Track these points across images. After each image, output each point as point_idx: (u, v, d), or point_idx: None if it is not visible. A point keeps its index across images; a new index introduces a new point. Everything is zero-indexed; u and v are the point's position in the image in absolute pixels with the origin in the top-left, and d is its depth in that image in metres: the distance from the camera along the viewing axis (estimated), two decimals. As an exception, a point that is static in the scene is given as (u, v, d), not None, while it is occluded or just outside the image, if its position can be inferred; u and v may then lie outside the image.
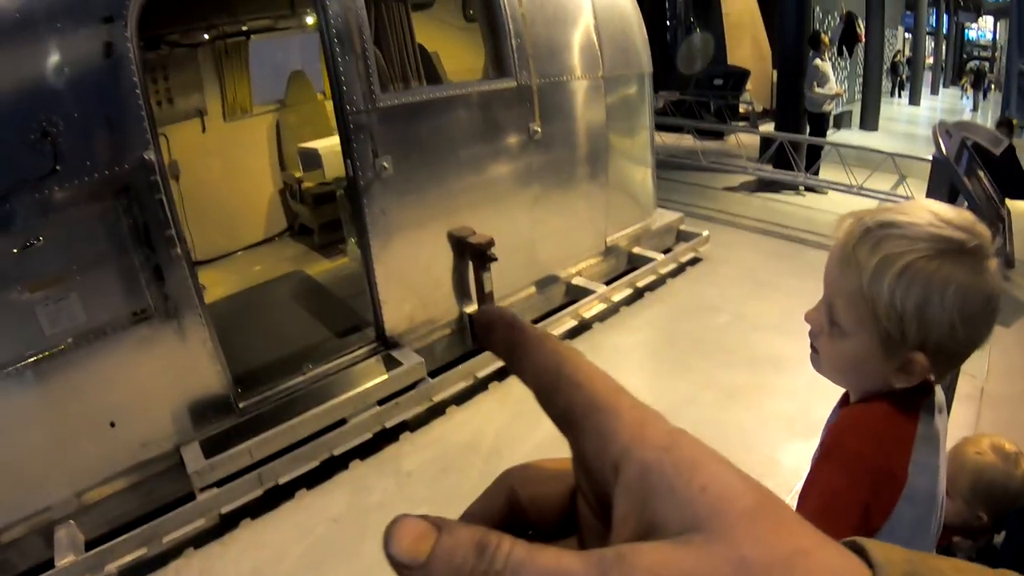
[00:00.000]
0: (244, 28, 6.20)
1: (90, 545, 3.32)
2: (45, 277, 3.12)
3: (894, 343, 0.97)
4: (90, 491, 3.44)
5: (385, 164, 3.91)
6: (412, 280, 4.30)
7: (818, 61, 9.36)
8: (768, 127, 12.00)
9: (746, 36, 15.57)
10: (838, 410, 1.20)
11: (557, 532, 0.41)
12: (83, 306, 3.18)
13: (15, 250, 3.02)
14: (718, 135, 13.06)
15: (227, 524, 3.51)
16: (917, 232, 0.93)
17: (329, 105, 6.69)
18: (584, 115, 5.31)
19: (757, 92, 14.69)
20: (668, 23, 17.27)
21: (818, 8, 15.90)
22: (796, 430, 3.79)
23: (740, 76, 14.47)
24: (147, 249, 3.26)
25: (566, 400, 0.37)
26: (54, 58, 3.12)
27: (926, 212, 0.96)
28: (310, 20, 6.41)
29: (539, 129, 4.80)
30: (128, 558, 3.32)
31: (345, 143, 3.83)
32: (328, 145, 5.69)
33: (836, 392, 1.23)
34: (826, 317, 1.07)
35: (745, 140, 11.33)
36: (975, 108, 25.33)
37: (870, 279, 0.95)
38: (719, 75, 14.69)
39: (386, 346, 4.21)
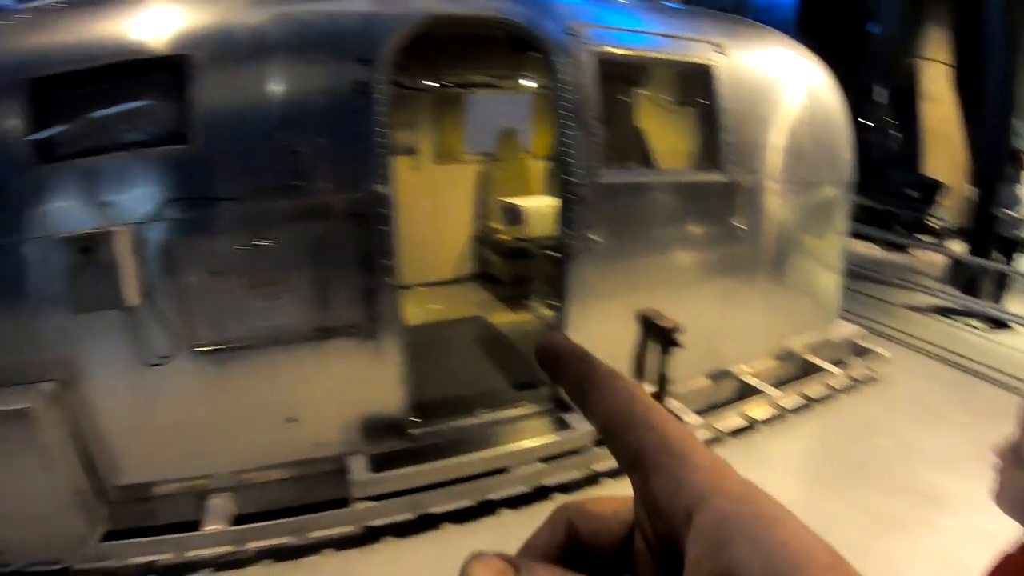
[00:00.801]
0: (466, 81, 6.63)
1: (238, 521, 3.65)
2: (269, 275, 3.47)
3: None
4: (252, 472, 3.74)
5: (596, 236, 4.05)
6: (598, 350, 4.22)
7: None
8: (957, 246, 11.29)
9: (943, 145, 14.76)
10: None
11: (610, 568, 0.41)
12: (295, 309, 3.51)
13: (249, 244, 3.38)
14: (904, 248, 12.41)
15: (371, 536, 3.68)
16: None
17: (534, 164, 6.99)
18: (781, 216, 5.25)
19: (950, 207, 13.88)
20: (864, 124, 16.69)
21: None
22: (946, 570, 3.55)
23: (933, 188, 13.71)
24: (365, 272, 3.54)
25: (637, 441, 0.37)
26: (310, 87, 3.50)
27: None
28: (527, 83, 6.78)
29: (738, 225, 4.80)
30: (272, 542, 3.60)
31: (562, 210, 4.01)
32: (532, 205, 5.95)
33: (997, 541, 1.18)
34: (1016, 455, 1.07)
35: (933, 258, 10.72)
36: None
37: None
38: (912, 184, 14.01)
39: (559, 408, 4.28)
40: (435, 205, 6.87)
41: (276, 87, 3.50)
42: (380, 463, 3.75)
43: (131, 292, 3.40)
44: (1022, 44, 9.71)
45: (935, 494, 4.25)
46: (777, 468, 4.75)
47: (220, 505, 3.70)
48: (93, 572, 3.75)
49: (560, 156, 4.03)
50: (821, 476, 4.75)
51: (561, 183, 4.03)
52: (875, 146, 15.68)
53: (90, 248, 3.32)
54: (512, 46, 5.21)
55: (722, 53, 4.81)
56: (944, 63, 15.31)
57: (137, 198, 3.45)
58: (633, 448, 0.38)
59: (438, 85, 6.61)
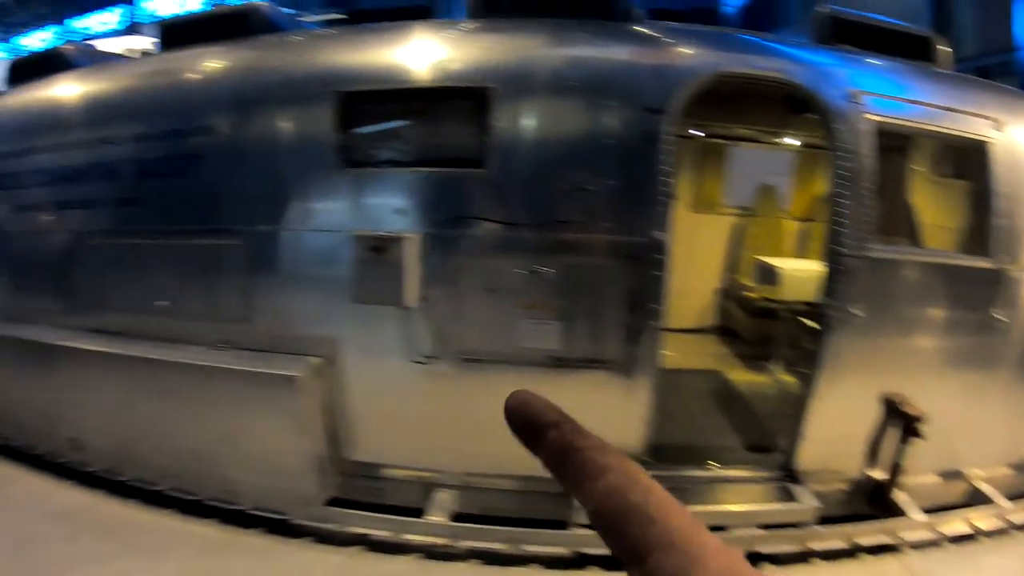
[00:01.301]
0: (732, 133, 6.66)
1: (457, 518, 3.92)
2: (541, 300, 3.65)
3: None
4: (481, 477, 3.94)
5: (857, 311, 3.95)
6: (838, 426, 4.24)
7: None
8: None
9: None
10: None
11: None
12: (560, 336, 3.66)
13: (528, 269, 3.57)
14: None
15: (580, 563, 3.76)
16: None
17: (790, 224, 6.90)
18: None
19: None
20: None
21: None
22: None
23: None
24: (631, 311, 3.65)
25: (637, 533, 0.34)
26: (600, 129, 3.64)
27: None
28: (790, 141, 6.69)
29: (1002, 318, 4.52)
30: (485, 544, 3.79)
31: (827, 279, 3.94)
32: (789, 267, 5.83)
33: None
34: None
35: None
36: None
37: None
38: None
39: (788, 477, 4.20)
40: (687, 253, 6.78)
41: (569, 126, 3.68)
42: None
43: (411, 293, 3.69)
44: None
45: None
46: None
47: (445, 499, 3.94)
48: (310, 531, 4.11)
49: (832, 224, 3.95)
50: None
51: (829, 252, 3.95)
52: None
53: (381, 248, 3.63)
54: (788, 105, 5.15)
55: (999, 129, 4.52)
56: None
57: (430, 211, 3.76)
58: (632, 541, 0.35)
59: (703, 135, 6.62)
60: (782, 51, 4.23)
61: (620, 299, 3.67)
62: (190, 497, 4.46)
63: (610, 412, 3.83)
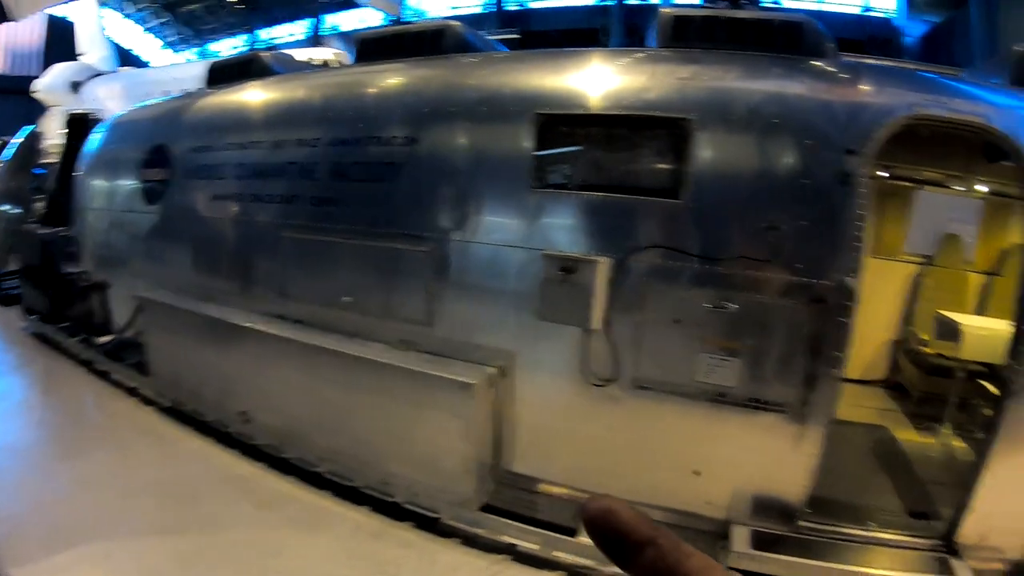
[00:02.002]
0: (917, 176, 6.40)
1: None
2: (722, 337, 3.64)
3: None
4: (637, 505, 3.91)
5: None
6: (1009, 500, 3.91)
7: None
8: None
9: None
10: None
11: None
12: (738, 374, 3.64)
13: (715, 304, 3.57)
14: None
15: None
16: None
17: (974, 278, 6.58)
18: None
19: None
20: None
21: None
22: None
23: None
24: (813, 357, 3.57)
25: None
26: (796, 169, 3.59)
27: None
28: (979, 187, 6.36)
29: None
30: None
31: (1016, 340, 3.70)
32: (974, 325, 5.32)
33: None
34: None
35: None
36: None
37: None
38: None
39: (948, 549, 3.95)
40: (864, 299, 6.53)
41: (764, 162, 3.66)
42: (761, 542, 3.76)
43: (596, 317, 3.78)
44: None
45: None
46: None
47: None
48: (460, 532, 4.24)
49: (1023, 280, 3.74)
50: None
51: (1020, 310, 3.72)
52: None
53: (571, 269, 3.73)
54: (983, 152, 4.91)
55: None
56: None
57: (621, 237, 3.83)
58: None
59: (887, 176, 6.40)
60: (980, 95, 4.03)
61: (802, 343, 3.60)
62: (347, 483, 4.70)
63: (777, 458, 3.76)
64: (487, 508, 4.31)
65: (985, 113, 3.89)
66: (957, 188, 6.50)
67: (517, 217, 4.14)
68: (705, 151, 3.75)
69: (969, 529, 3.93)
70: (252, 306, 5.45)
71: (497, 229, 4.20)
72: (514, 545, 4.09)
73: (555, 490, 4.27)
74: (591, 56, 4.45)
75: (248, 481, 4.98)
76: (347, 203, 4.84)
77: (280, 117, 5.64)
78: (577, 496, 4.18)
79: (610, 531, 0.43)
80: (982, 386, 4.93)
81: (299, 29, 31.52)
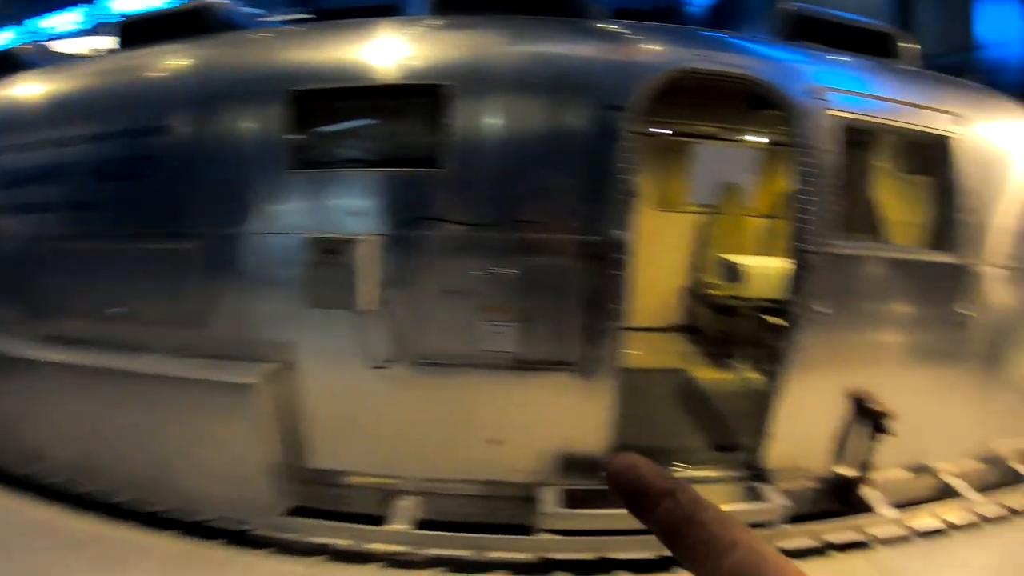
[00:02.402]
0: (695, 131, 6.60)
1: (420, 525, 3.82)
2: (500, 302, 3.56)
3: None
4: (444, 483, 3.86)
5: (821, 308, 3.90)
6: (805, 424, 4.20)
7: None
8: None
9: None
10: None
11: None
12: (520, 338, 3.59)
13: (487, 271, 3.48)
14: None
15: (545, 568, 3.68)
16: None
17: (754, 222, 6.88)
18: (1006, 306, 4.84)
19: None
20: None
21: None
22: None
23: None
24: (592, 312, 3.57)
25: None
26: (560, 127, 3.57)
27: None
28: (754, 138, 6.65)
29: (966, 313, 4.50)
30: (449, 552, 3.70)
31: (793, 277, 3.90)
32: (753, 264, 5.81)
33: None
34: None
35: None
36: None
37: None
38: None
39: (754, 476, 4.15)
40: (651, 251, 6.67)
41: (528, 124, 3.60)
42: (571, 499, 3.76)
43: (366, 297, 3.59)
44: None
45: None
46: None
47: (407, 507, 3.85)
48: (272, 541, 4.00)
49: (796, 221, 3.91)
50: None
51: (794, 249, 3.91)
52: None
53: (334, 251, 3.53)
54: (750, 103, 5.11)
55: (961, 124, 4.51)
56: None
57: (385, 212, 3.66)
58: None
59: (668, 133, 6.56)
60: (745, 48, 4.19)
61: (581, 299, 3.59)
62: (150, 509, 4.33)
63: (573, 415, 3.76)
64: (298, 511, 4.08)
65: (749, 65, 4.01)
66: (735, 140, 6.79)
67: (280, 202, 3.88)
68: (467, 117, 3.64)
69: (772, 454, 4.12)
70: (25, 331, 4.89)
71: (262, 217, 3.91)
72: (328, 544, 3.91)
73: (361, 480, 4.08)
74: (352, 29, 4.23)
75: (45, 525, 4.49)
76: (106, 205, 4.38)
77: (31, 117, 5.05)
78: (383, 484, 3.99)
79: (631, 485, 0.43)
80: (768, 320, 5.17)
81: (78, 17, 28.52)
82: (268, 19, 5.62)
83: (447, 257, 3.62)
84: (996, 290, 4.73)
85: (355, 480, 4.08)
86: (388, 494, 3.95)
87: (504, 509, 3.85)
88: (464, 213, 3.57)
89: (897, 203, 5.52)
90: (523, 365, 3.65)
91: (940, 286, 4.42)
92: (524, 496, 3.84)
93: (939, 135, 4.48)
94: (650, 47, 3.94)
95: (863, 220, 4.80)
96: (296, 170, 3.81)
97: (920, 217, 4.73)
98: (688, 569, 0.40)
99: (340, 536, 3.90)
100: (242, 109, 4.01)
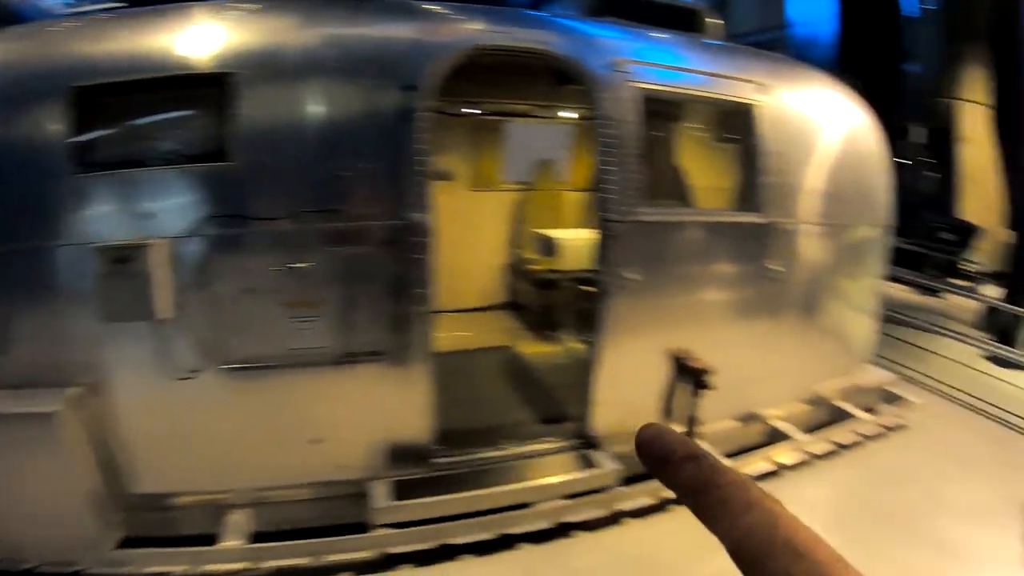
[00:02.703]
0: (504, 110, 6.62)
1: (256, 538, 3.62)
2: (303, 297, 3.45)
3: None
4: (273, 491, 3.71)
5: (630, 274, 4.00)
6: (628, 388, 4.28)
7: None
8: (991, 291, 11.08)
9: (979, 188, 14.54)
10: None
11: None
12: (327, 332, 3.48)
13: (285, 265, 3.37)
14: (936, 292, 12.19)
15: (389, 563, 3.61)
16: None
17: (569, 196, 6.97)
18: (815, 259, 5.16)
19: (986, 252, 13.63)
20: (899, 165, 16.51)
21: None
22: None
23: (968, 231, 13.49)
24: (398, 299, 3.51)
25: (782, 569, 0.35)
26: (353, 111, 3.49)
27: None
28: (565, 114, 6.75)
29: (775, 268, 4.74)
30: (288, 562, 3.55)
31: (600, 247, 3.97)
32: (566, 237, 5.94)
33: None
34: None
35: (966, 303, 10.53)
36: None
37: None
38: (945, 227, 13.79)
39: (585, 444, 4.21)
40: (469, 232, 6.82)
41: (320, 109, 3.50)
42: (402, 490, 3.70)
43: (163, 305, 3.40)
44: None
45: (959, 548, 4.13)
46: (802, 514, 4.45)
47: (239, 521, 3.68)
48: (107, 577, 3.75)
49: (599, 191, 3.99)
50: (846, 525, 4.61)
51: (598, 219, 3.99)
52: (909, 187, 15.50)
53: (125, 259, 3.32)
54: (556, 78, 5.20)
55: (764, 92, 4.74)
56: (982, 104, 15.13)
57: (176, 212, 3.45)
58: None
59: (478, 113, 6.59)
60: (545, 23, 4.23)
61: (385, 287, 3.52)
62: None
63: (391, 405, 3.70)
64: (130, 541, 3.82)
65: (548, 40, 4.05)
66: (547, 116, 6.92)
67: (65, 210, 3.58)
68: (256, 106, 3.47)
69: (600, 421, 4.19)
70: None
71: (46, 228, 3.60)
72: (166, 572, 3.67)
73: (188, 500, 3.86)
74: (148, 17, 3.95)
75: None
76: None
77: None
78: (212, 500, 3.80)
79: (657, 452, 0.45)
80: (585, 291, 5.30)
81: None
82: (75, 9, 5.21)
83: (244, 255, 3.44)
84: (807, 245, 5.01)
85: (183, 500, 3.85)
86: (219, 510, 3.75)
87: (338, 509, 3.75)
88: (257, 207, 3.41)
89: (708, 169, 5.77)
90: (334, 359, 3.54)
91: (750, 245, 4.63)
92: (355, 493, 3.75)
93: (743, 103, 4.68)
94: (446, 25, 3.90)
95: (671, 187, 4.98)
96: (81, 174, 3.53)
97: (730, 182, 4.94)
98: (709, 529, 0.42)
99: (176, 562, 3.66)
100: (21, 110, 3.69)
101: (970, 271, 13.16)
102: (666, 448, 0.47)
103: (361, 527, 3.64)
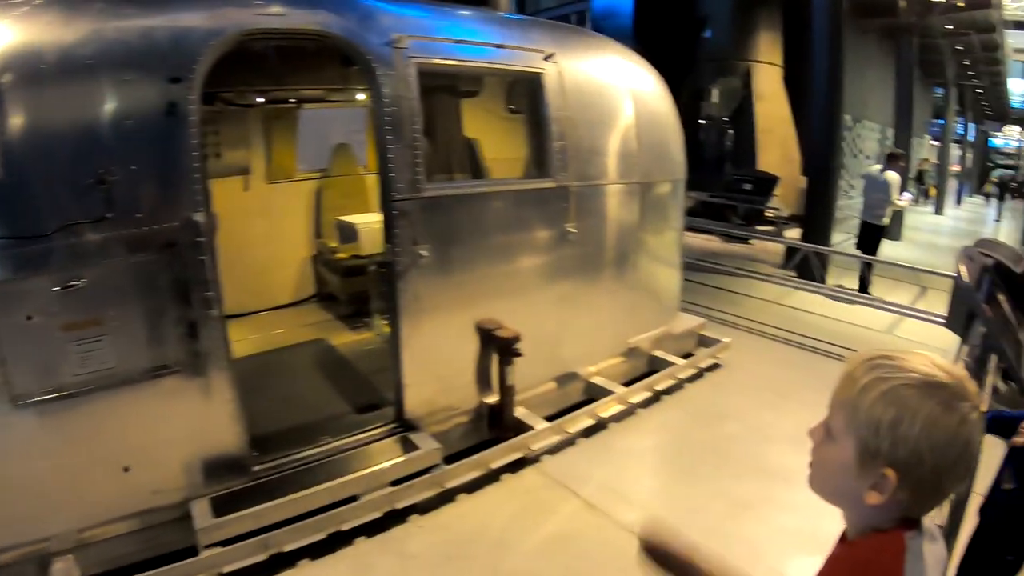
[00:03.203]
0: (295, 96, 6.41)
1: None
2: (82, 318, 3.16)
3: (870, 454, 1.06)
4: (94, 529, 3.41)
5: (423, 251, 4.00)
6: (437, 365, 4.30)
7: (889, 174, 9.61)
8: (794, 233, 12.12)
9: (776, 141, 15.81)
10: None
11: None
12: (115, 352, 3.22)
13: (56, 288, 3.07)
14: (743, 239, 13.16)
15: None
16: (910, 367, 1.05)
17: (370, 179, 6.86)
18: (616, 218, 5.39)
19: (784, 198, 14.85)
20: (700, 123, 17.65)
21: (848, 116, 16.25)
22: (803, 545, 3.68)
23: (768, 182, 14.62)
24: (184, 305, 3.31)
25: None
26: (120, 109, 3.23)
27: (926, 359, 1.07)
28: (360, 96, 6.62)
29: (573, 230, 4.90)
30: (120, 602, 3.27)
31: (388, 227, 3.93)
32: (366, 221, 5.86)
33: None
34: (824, 428, 1.17)
35: (769, 246, 11.43)
36: (999, 218, 25.45)
37: (860, 391, 1.07)
38: (748, 179, 14.88)
39: (404, 427, 4.19)
40: (270, 226, 6.57)
41: (83, 111, 3.20)
42: (225, 505, 3.52)
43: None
44: (845, 45, 10.60)
45: (784, 472, 4.40)
46: (632, 463, 4.84)
47: (64, 569, 3.31)
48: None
49: (382, 171, 3.95)
50: (675, 466, 4.90)
51: (383, 199, 3.96)
52: (712, 145, 16.65)
53: None
54: (342, 59, 5.07)
55: (552, 61, 4.85)
56: (775, 64, 16.45)
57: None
58: None
59: (268, 102, 6.33)
60: (321, 2, 4.09)
61: (169, 295, 3.30)
62: None
63: (196, 418, 3.48)
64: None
65: (323, 20, 3.91)
66: (341, 100, 6.81)
67: None
68: (14, 115, 3.09)
69: (415, 402, 4.18)
70: None
71: None
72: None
73: (6, 557, 3.40)
74: None
75: None
76: None
77: None
78: (34, 551, 3.38)
79: (655, 553, 0.55)
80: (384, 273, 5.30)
81: None
82: None
83: (18, 279, 3.08)
84: (605, 205, 5.23)
85: (3, 558, 3.43)
86: (43, 560, 3.37)
87: (164, 536, 3.50)
88: (24, 225, 3.08)
89: (504, 141, 5.89)
90: (126, 379, 3.28)
91: (545, 210, 4.76)
92: (178, 517, 3.51)
93: (529, 72, 4.76)
94: (213, 12, 3.66)
95: (462, 161, 5.02)
96: None
97: (524, 150, 5.04)
98: None
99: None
100: None
101: (772, 217, 14.29)
102: (663, 551, 0.52)
103: (193, 551, 3.40)
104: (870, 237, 9.88)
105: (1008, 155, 43.77)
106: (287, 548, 3.51)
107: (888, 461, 1.04)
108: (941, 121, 26.97)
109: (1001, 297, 5.68)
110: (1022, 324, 5.98)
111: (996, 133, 43.06)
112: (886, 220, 9.86)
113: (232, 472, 3.62)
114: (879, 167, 9.79)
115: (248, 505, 3.49)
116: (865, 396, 1.06)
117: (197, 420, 3.46)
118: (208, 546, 3.38)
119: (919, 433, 1.01)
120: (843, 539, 1.23)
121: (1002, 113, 38.55)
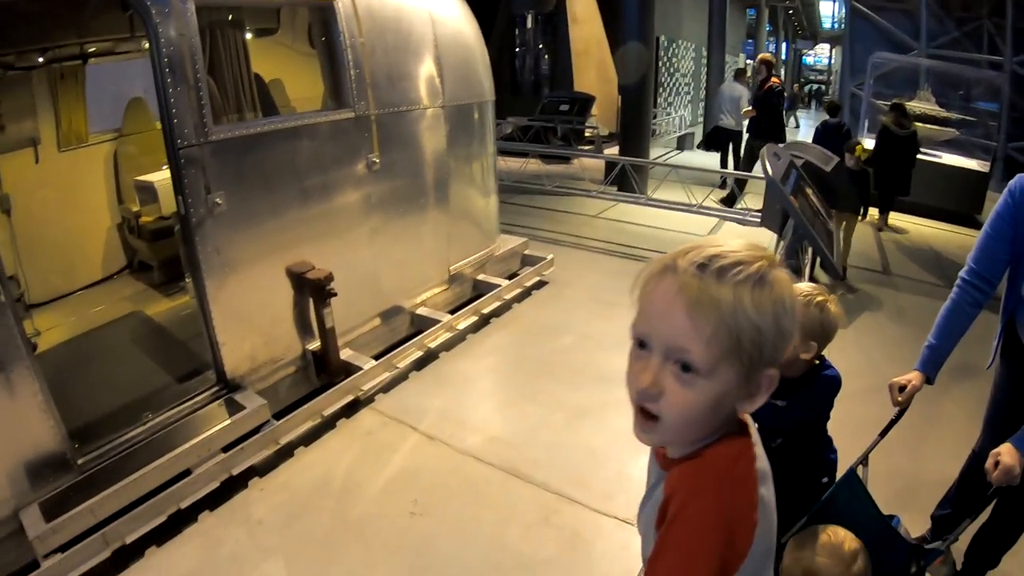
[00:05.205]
0: (81, 51, 5.84)
1: None
2: None
3: (754, 365, 0.94)
4: None
5: (218, 200, 3.84)
6: (251, 318, 4.22)
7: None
8: (613, 150, 12.65)
9: (592, 62, 16.23)
10: (661, 473, 1.20)
11: None
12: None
13: None
14: (565, 159, 13.57)
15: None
16: (742, 254, 0.93)
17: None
18: (425, 144, 5.45)
19: (603, 117, 15.37)
20: (517, 49, 17.85)
21: (663, 36, 16.93)
22: (642, 445, 4.03)
23: (585, 102, 15.11)
24: (-32, 295, 3.07)
25: None
26: None
27: (731, 238, 1.00)
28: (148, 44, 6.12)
29: (378, 160, 4.92)
30: (-36, 633, 3.17)
31: (176, 178, 3.74)
32: (164, 178, 5.32)
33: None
34: (671, 372, 0.98)
35: (590, 164, 11.89)
36: (797, 124, 27.62)
37: (732, 309, 0.90)
38: (565, 100, 15.26)
39: (228, 389, 4.13)
40: (67, 199, 5.97)
41: None
42: (54, 508, 3.31)
43: None
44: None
45: (619, 376, 4.64)
46: (467, 388, 5.06)
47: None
48: None
49: (164, 120, 3.68)
50: (511, 385, 5.17)
51: (168, 149, 3.71)
52: (529, 70, 16.91)
53: None
54: (121, 4, 4.67)
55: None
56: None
57: None
58: None
59: (49, 61, 5.69)
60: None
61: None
62: None
63: (2, 419, 3.18)
64: None
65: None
66: (128, 50, 6.33)
67: None
68: None
69: (234, 360, 4.15)
70: None
71: None
72: None
73: None
74: None
75: None
76: None
77: None
78: None
79: None
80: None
81: None
82: None
83: None
84: (414, 132, 5.31)
85: None
86: None
87: (4, 557, 3.28)
88: None
89: (303, 77, 5.72)
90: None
91: (348, 142, 4.72)
92: (14, 532, 3.30)
93: (320, 3, 4.59)
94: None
95: (255, 101, 4.84)
96: None
97: (325, 84, 4.93)
98: None
99: None
100: None
101: (591, 136, 14.83)
102: None
103: (34, 565, 3.23)
104: (724, 139, 12.07)
105: (820, 71, 47.96)
106: (129, 539, 3.38)
107: (770, 362, 0.96)
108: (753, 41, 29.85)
109: (809, 191, 6.24)
110: (831, 216, 6.63)
111: (808, 52, 47.69)
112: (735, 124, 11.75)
113: (56, 470, 3.43)
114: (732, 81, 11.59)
115: (79, 502, 3.33)
116: (739, 310, 0.90)
117: (5, 422, 3.22)
118: (47, 555, 3.22)
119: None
120: (668, 464, 1.17)
121: (814, 33, 43.24)
